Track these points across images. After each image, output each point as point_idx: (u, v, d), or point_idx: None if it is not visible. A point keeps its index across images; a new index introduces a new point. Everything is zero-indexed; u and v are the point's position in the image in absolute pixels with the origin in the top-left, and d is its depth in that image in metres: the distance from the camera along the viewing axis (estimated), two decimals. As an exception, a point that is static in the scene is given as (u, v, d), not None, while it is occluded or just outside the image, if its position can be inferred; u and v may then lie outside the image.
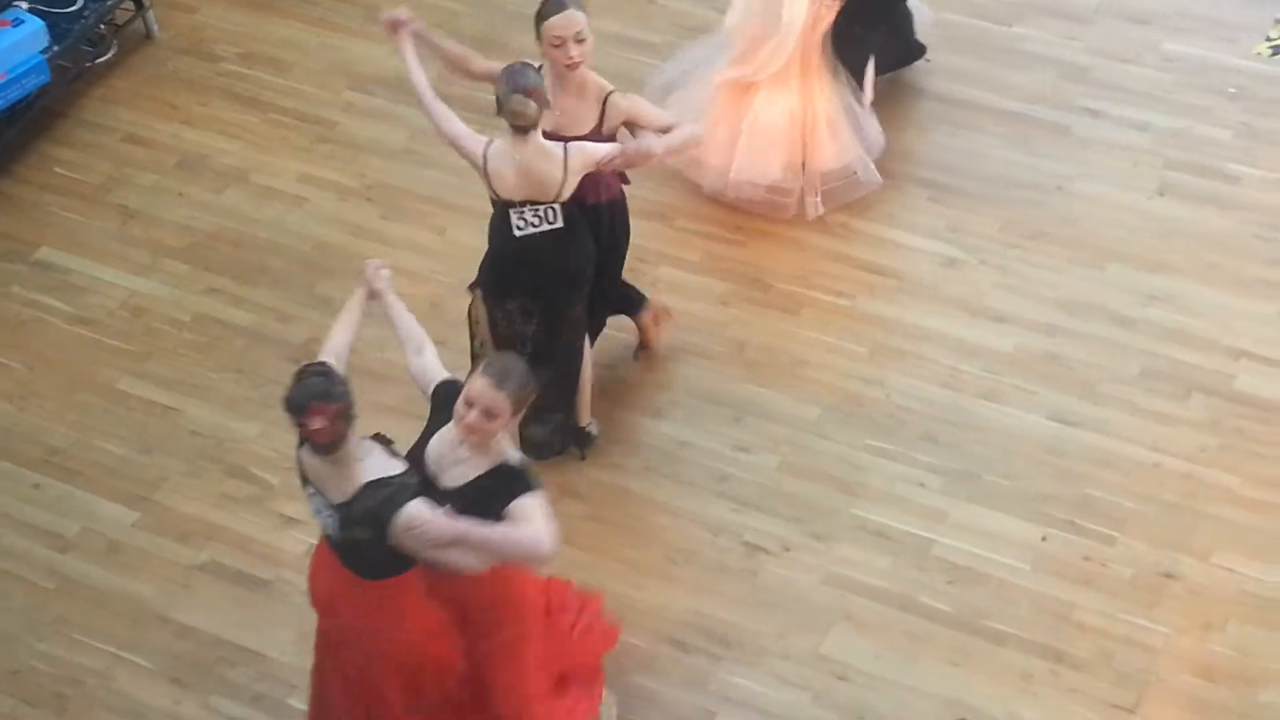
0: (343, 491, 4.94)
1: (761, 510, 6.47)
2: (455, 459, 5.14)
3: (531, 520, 4.86)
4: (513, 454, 5.12)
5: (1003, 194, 7.61)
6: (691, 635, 6.11)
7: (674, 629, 6.13)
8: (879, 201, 7.63)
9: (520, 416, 5.18)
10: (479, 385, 4.97)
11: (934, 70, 8.15)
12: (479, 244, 7.52)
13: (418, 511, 4.82)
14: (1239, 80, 8.07)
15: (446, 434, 5.17)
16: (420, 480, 5.00)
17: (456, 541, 4.82)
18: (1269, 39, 8.30)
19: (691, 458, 6.67)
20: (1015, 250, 7.38)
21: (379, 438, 5.11)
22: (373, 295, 5.54)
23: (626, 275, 6.77)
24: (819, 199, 7.51)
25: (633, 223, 7.59)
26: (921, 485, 6.52)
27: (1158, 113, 7.93)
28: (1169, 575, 6.21)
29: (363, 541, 4.94)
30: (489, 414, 4.96)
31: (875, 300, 7.22)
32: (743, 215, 7.56)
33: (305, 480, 5.11)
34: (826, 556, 6.33)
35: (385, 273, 5.56)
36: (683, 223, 7.55)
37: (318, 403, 4.82)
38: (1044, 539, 6.34)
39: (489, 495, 4.99)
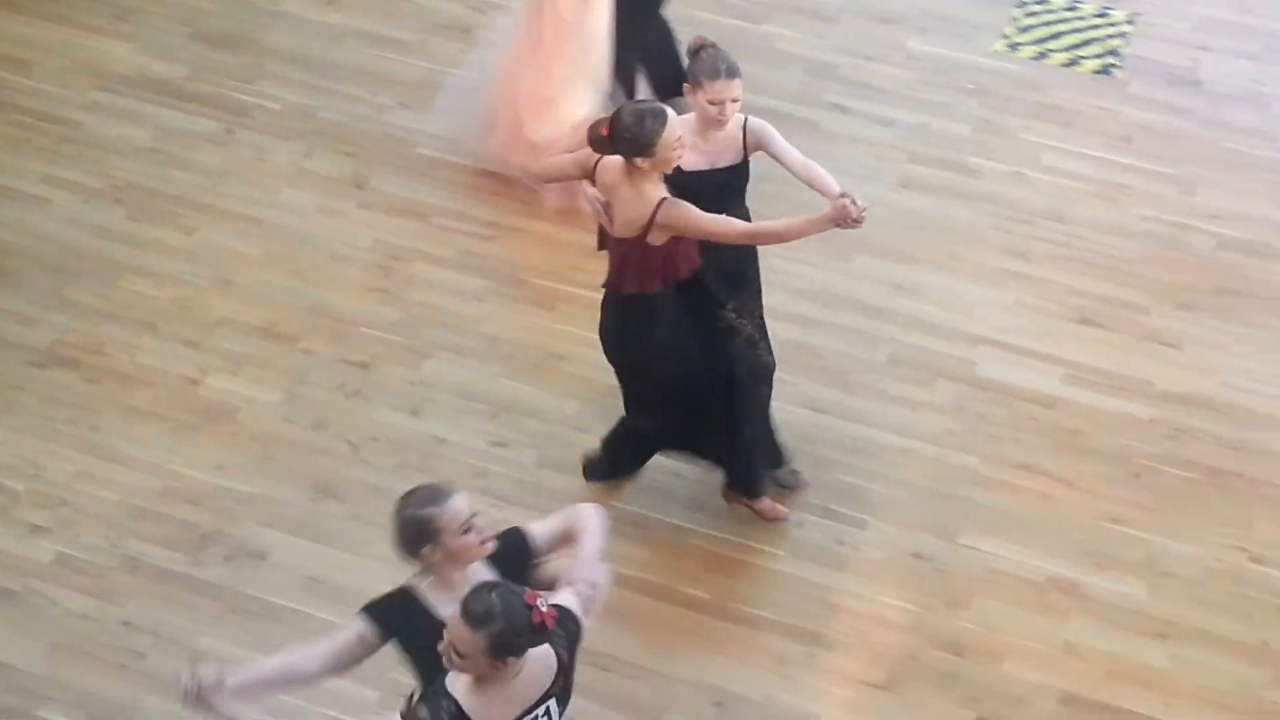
0: None
1: (520, 505, 6.48)
2: None
3: None
4: None
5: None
6: (452, 631, 6.09)
7: (435, 626, 6.11)
8: (633, 197, 7.71)
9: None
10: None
11: (685, 68, 8.24)
12: (229, 244, 7.46)
13: None
14: (977, 77, 8.33)
15: None
16: None
17: None
18: (1005, 37, 8.58)
19: (449, 455, 6.66)
20: (766, 243, 7.51)
21: None
22: None
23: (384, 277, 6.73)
24: None
25: (388, 220, 7.61)
26: (678, 475, 6.59)
27: (901, 109, 8.15)
28: (918, 556, 6.38)
29: None
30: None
31: (630, 294, 7.27)
32: (498, 211, 7.59)
33: None
34: (586, 548, 6.36)
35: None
36: (439, 220, 7.53)
37: None
38: (798, 524, 6.46)
39: None
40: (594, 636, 6.00)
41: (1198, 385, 6.99)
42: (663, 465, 6.60)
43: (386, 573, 6.13)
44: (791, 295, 7.26)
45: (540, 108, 7.38)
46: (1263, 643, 6.11)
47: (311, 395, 6.87)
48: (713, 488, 6.54)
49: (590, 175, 5.78)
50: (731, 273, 6.12)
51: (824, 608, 6.22)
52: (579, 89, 7.33)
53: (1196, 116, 8.20)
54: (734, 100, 5.87)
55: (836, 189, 5.77)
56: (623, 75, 7.50)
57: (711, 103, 5.85)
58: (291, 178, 7.76)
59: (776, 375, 6.75)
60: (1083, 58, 8.49)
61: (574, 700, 4.53)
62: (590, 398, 6.84)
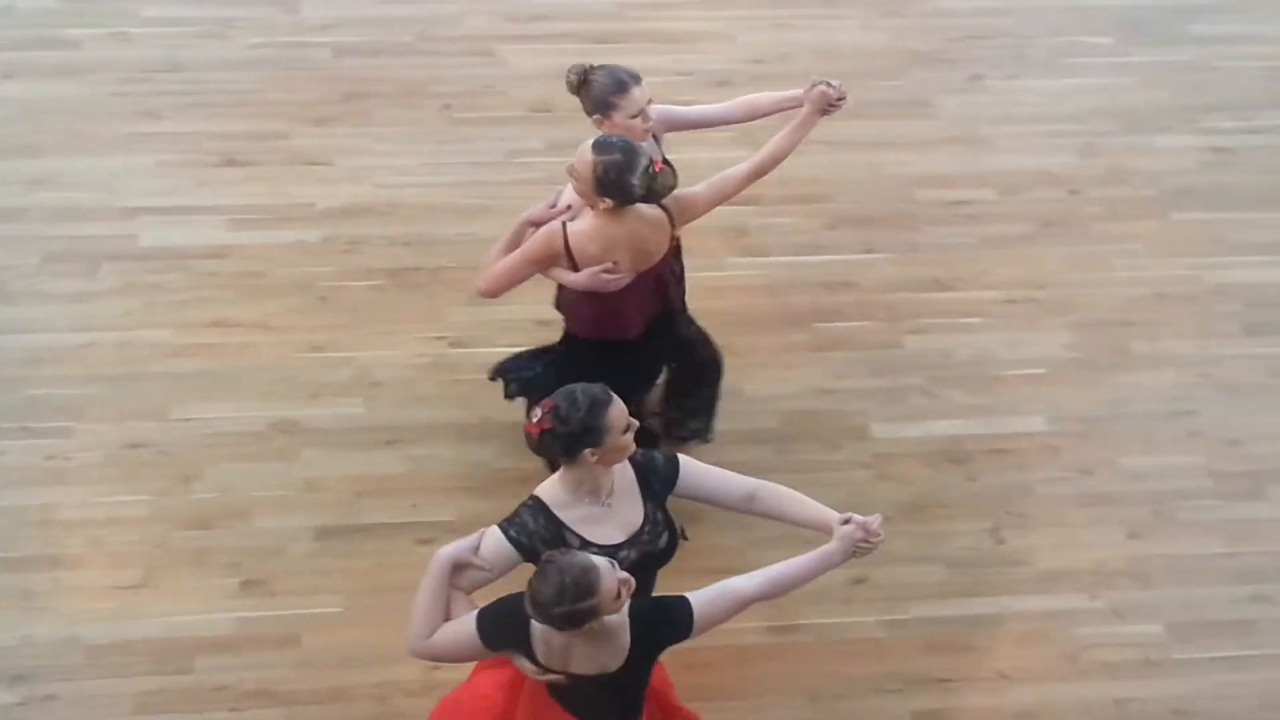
0: None
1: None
2: None
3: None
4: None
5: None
6: None
7: None
8: None
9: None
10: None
11: None
12: None
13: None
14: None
15: None
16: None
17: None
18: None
19: None
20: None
21: None
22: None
23: None
24: None
25: None
26: None
27: None
28: (135, 445, 6.16)
29: None
30: None
31: None
32: None
33: None
34: None
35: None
36: None
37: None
38: (3, 454, 6.09)
39: None
40: None
41: (356, 194, 7.09)
42: None
43: None
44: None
45: None
46: (483, 419, 6.32)
47: None
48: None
49: (565, 257, 5.24)
50: None
51: (53, 528, 5.91)
52: None
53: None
54: (650, 101, 5.38)
55: (795, 91, 5.44)
56: None
57: (634, 116, 5.31)
58: None
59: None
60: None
61: None
62: None
